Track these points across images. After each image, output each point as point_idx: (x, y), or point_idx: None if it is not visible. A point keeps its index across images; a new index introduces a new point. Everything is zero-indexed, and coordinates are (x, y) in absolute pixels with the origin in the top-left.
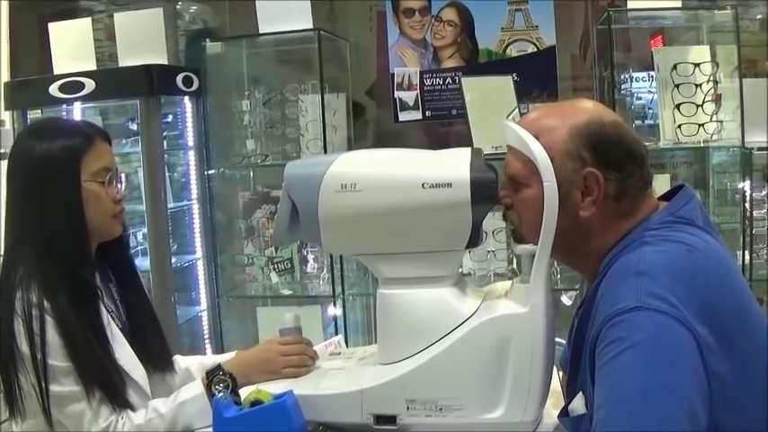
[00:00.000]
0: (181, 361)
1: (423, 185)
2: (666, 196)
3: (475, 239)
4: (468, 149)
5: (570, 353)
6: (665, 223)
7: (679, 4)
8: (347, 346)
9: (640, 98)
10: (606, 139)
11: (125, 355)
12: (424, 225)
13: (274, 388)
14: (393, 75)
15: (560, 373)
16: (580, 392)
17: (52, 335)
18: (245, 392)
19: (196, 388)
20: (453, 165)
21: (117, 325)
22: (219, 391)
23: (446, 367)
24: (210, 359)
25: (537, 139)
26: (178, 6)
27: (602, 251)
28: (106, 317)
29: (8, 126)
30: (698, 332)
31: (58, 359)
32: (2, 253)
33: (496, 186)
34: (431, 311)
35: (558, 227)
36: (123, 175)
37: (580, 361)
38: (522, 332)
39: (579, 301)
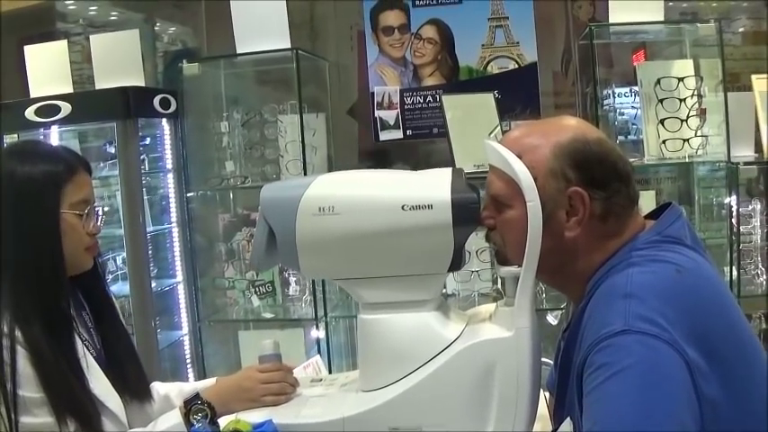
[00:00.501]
0: (160, 388)
1: (403, 207)
2: (653, 214)
3: (457, 262)
4: (450, 170)
5: (557, 376)
6: (653, 243)
7: (661, 18)
8: (330, 370)
9: (623, 113)
10: (591, 157)
11: (100, 384)
12: (404, 248)
13: (254, 417)
14: (373, 94)
15: (547, 396)
16: (568, 417)
17: (24, 365)
18: (224, 422)
19: (174, 417)
20: (434, 186)
21: (91, 353)
22: (198, 421)
23: (430, 394)
24: (191, 386)
25: (520, 158)
26: (156, 28)
27: (588, 272)
28: (80, 346)
29: None
30: (688, 355)
31: (30, 390)
32: None
33: (478, 207)
34: (413, 336)
35: (543, 248)
36: (101, 209)
37: (567, 385)
38: (507, 357)
39: (565, 323)
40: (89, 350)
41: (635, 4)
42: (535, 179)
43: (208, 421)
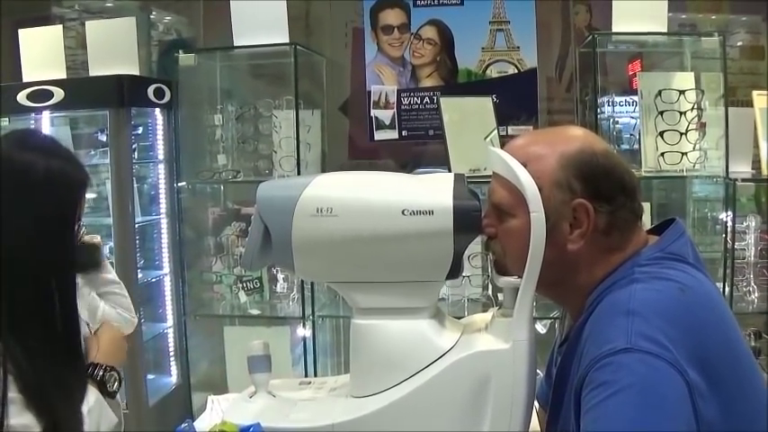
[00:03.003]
0: None
1: (403, 212)
2: (655, 229)
3: (455, 270)
4: (451, 175)
5: (551, 392)
6: (656, 259)
7: (664, 29)
8: (315, 370)
9: (617, 122)
10: (597, 170)
11: None
12: (402, 254)
13: (241, 419)
14: (370, 92)
15: (536, 407)
16: None
17: None
18: (208, 425)
19: (92, 394)
20: (435, 191)
21: None
22: (112, 386)
23: (422, 404)
24: None
25: (525, 166)
26: (152, 16)
27: (589, 286)
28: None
29: None
30: (689, 376)
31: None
32: None
33: (480, 215)
34: (407, 344)
35: (544, 259)
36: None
37: (562, 401)
38: (503, 369)
39: (559, 335)
40: None
41: (639, 13)
42: (540, 189)
43: (119, 384)
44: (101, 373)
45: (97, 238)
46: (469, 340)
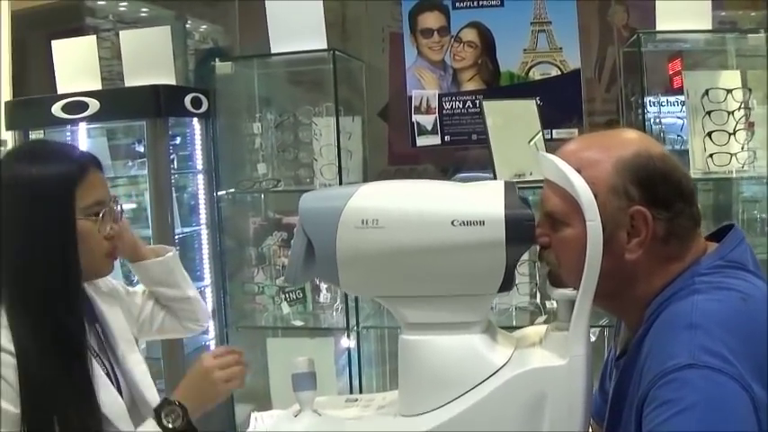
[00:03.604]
0: None
1: (452, 223)
2: (712, 236)
3: (508, 282)
4: (502, 183)
5: (609, 407)
6: (716, 268)
7: (708, 26)
8: (360, 382)
9: (659, 123)
10: (655, 175)
11: (109, 402)
12: (452, 266)
13: None
14: (410, 97)
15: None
16: None
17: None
18: None
19: (150, 425)
20: (486, 200)
21: (102, 369)
22: (170, 423)
23: (475, 423)
24: None
25: (579, 172)
26: (187, 25)
27: (647, 297)
28: (94, 364)
29: (10, 146)
30: (754, 391)
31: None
32: None
33: (534, 225)
34: (459, 360)
35: (601, 270)
36: (119, 206)
37: (621, 417)
38: (559, 386)
39: (614, 347)
40: (101, 365)
41: (682, 11)
42: (595, 196)
43: (182, 422)
44: (161, 407)
45: (171, 251)
46: (524, 356)
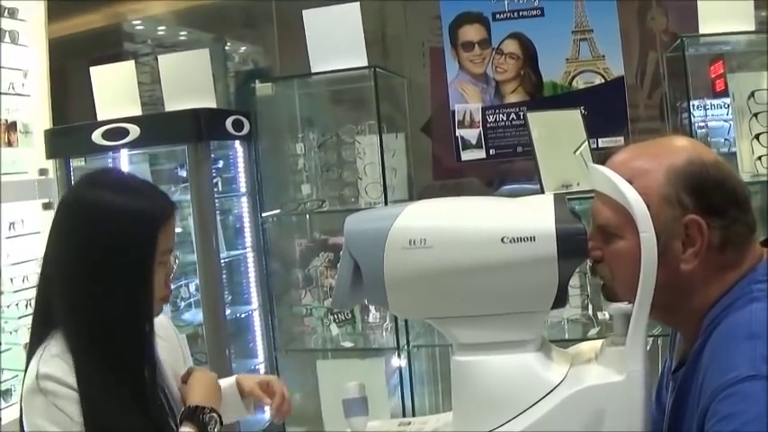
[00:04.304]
0: None
1: (502, 240)
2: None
3: (561, 298)
4: (551, 196)
5: (667, 421)
6: None
7: (751, 27)
8: (413, 401)
9: (705, 127)
10: (708, 182)
11: None
12: (504, 284)
13: None
14: (454, 112)
15: None
16: None
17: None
18: None
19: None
20: (536, 215)
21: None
22: (213, 428)
23: None
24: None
25: (630, 183)
26: (226, 47)
27: (704, 308)
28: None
29: (51, 175)
30: None
31: None
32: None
33: (586, 239)
34: (513, 380)
35: (656, 282)
36: (174, 258)
37: (679, 431)
38: (618, 404)
39: (670, 359)
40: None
41: (725, 13)
42: (648, 206)
43: (220, 425)
44: (201, 416)
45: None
46: (580, 373)
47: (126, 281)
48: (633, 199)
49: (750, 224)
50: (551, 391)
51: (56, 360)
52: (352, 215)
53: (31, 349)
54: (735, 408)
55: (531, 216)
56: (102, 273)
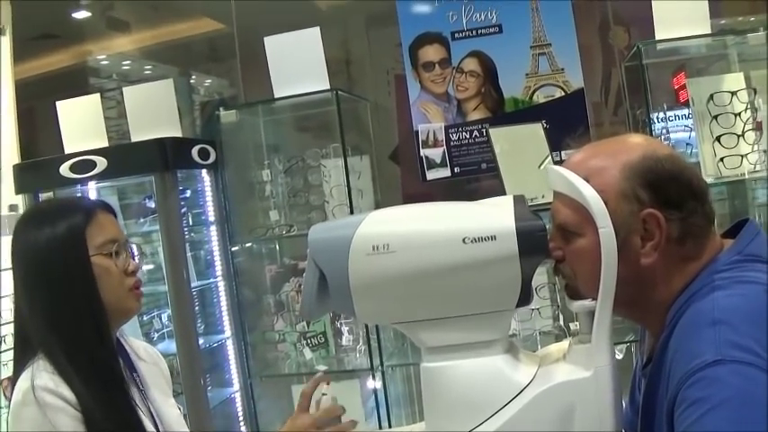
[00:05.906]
0: None
1: (464, 240)
2: (728, 233)
3: (526, 297)
4: (511, 197)
5: (639, 417)
6: (735, 263)
7: (706, 31)
8: (389, 422)
9: (667, 137)
10: (664, 176)
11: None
12: (468, 285)
13: None
14: (417, 132)
15: None
16: None
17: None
18: None
19: None
20: (496, 215)
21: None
22: None
23: None
24: None
25: (587, 181)
26: (192, 81)
27: (668, 300)
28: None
29: (21, 210)
30: None
31: None
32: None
33: (546, 235)
34: (483, 383)
35: (618, 277)
36: (135, 247)
37: (653, 426)
38: (587, 399)
39: (639, 356)
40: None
41: (680, 16)
42: (605, 203)
43: None
44: None
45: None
46: (548, 372)
47: (70, 285)
48: (590, 196)
49: (708, 215)
50: (521, 391)
51: (48, 374)
52: (316, 225)
53: (15, 376)
54: (702, 393)
55: (491, 216)
56: (51, 288)
